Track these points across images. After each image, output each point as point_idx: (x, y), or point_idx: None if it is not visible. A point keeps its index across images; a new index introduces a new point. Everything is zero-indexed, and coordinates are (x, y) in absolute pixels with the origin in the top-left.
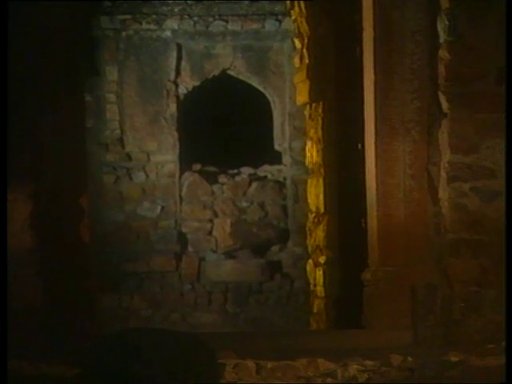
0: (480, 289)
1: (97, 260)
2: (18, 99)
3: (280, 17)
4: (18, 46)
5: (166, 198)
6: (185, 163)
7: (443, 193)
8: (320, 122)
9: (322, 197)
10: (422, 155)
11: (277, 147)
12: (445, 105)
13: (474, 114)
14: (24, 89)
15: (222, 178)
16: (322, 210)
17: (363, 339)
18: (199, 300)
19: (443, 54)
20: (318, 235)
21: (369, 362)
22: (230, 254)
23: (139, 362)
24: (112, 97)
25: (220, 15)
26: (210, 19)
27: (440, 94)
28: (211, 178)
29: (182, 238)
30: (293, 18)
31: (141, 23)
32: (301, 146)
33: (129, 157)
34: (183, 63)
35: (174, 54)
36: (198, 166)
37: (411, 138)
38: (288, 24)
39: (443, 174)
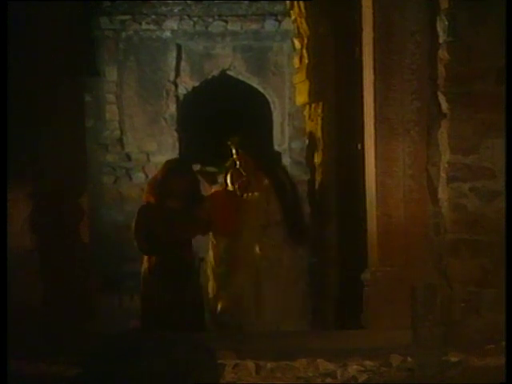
0: (480, 289)
1: (97, 260)
2: (17, 99)
3: (280, 17)
4: (18, 46)
5: None
6: None
7: (443, 193)
8: (320, 122)
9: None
10: (422, 155)
11: (276, 147)
12: (444, 105)
13: (473, 114)
14: (24, 89)
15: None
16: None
17: (363, 339)
18: None
19: (443, 54)
20: None
21: (368, 362)
22: None
23: (139, 362)
24: (112, 97)
25: (220, 15)
26: (210, 19)
27: (439, 94)
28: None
29: None
30: (292, 18)
31: (140, 23)
32: (300, 146)
33: (128, 157)
34: (183, 63)
35: (174, 54)
36: (197, 166)
37: (411, 138)
38: (288, 24)
39: (443, 174)
